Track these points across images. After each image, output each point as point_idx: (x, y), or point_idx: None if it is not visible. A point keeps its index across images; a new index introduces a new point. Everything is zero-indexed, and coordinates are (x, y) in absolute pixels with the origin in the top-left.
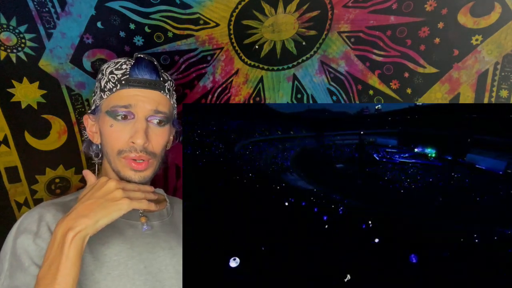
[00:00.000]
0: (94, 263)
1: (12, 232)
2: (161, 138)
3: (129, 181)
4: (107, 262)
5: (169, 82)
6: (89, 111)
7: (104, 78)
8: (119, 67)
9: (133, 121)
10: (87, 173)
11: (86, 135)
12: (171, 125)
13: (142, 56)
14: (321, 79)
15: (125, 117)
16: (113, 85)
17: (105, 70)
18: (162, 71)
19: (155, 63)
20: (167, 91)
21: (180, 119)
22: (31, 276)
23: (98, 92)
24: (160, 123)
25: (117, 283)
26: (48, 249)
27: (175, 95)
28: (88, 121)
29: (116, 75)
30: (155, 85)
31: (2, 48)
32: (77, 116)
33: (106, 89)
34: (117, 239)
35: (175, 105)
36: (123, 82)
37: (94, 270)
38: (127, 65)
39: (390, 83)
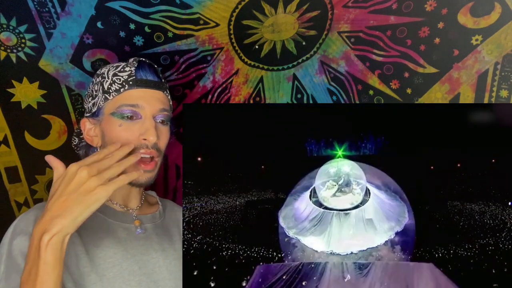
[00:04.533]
0: (90, 264)
1: (8, 234)
2: (165, 136)
3: (136, 183)
4: (102, 264)
5: (167, 84)
6: (87, 115)
7: (107, 81)
8: (122, 69)
9: (140, 121)
10: (50, 159)
11: (76, 141)
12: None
13: (143, 59)
14: (321, 79)
15: (131, 118)
16: (120, 86)
17: (106, 73)
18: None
19: (155, 66)
20: (168, 92)
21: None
22: None
23: (100, 95)
24: (163, 122)
25: (112, 284)
26: (28, 253)
27: (171, 97)
28: (86, 124)
29: (122, 76)
30: (159, 86)
31: (2, 48)
32: (77, 116)
33: (111, 91)
34: (111, 242)
35: (172, 106)
36: (130, 82)
37: (90, 271)
38: (130, 67)
39: (390, 83)
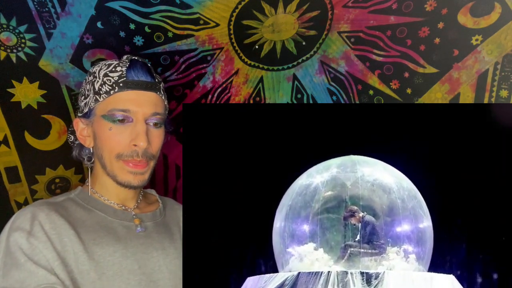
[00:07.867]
0: (89, 262)
1: (5, 231)
2: (158, 139)
3: (127, 186)
4: (102, 262)
5: (162, 83)
6: (79, 114)
7: (98, 81)
8: (113, 69)
9: (132, 124)
10: None
11: (72, 139)
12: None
13: (136, 58)
14: (321, 79)
15: (122, 121)
16: (110, 87)
17: (98, 73)
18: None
19: (149, 65)
20: (162, 92)
21: (171, 120)
22: (27, 272)
23: (91, 95)
24: (156, 125)
25: (111, 282)
26: None
27: (166, 96)
28: (79, 124)
29: (112, 77)
30: (152, 87)
31: (2, 48)
32: (77, 116)
33: (102, 92)
34: (111, 240)
35: (167, 106)
36: (121, 84)
37: (89, 270)
38: (121, 67)
39: (390, 83)
